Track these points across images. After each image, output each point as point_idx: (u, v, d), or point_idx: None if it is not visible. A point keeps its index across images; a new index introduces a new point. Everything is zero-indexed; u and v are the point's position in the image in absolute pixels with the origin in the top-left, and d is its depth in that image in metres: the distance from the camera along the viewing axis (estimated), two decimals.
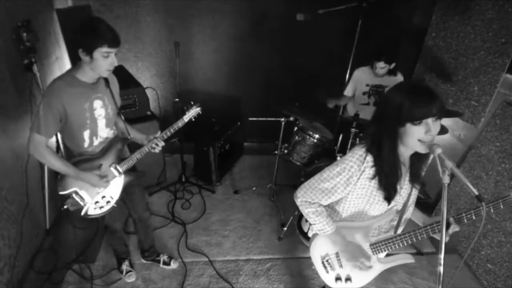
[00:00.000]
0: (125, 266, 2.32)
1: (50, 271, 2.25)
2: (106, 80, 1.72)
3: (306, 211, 1.43)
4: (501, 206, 1.12)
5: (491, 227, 2.48)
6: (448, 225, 1.24)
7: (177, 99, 2.86)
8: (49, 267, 2.28)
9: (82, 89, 1.62)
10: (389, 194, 1.29)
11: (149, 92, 2.97)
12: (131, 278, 2.29)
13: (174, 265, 2.42)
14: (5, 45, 2.02)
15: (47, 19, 2.67)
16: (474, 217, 1.17)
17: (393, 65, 2.74)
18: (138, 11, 3.16)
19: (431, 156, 1.33)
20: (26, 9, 2.29)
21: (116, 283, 2.28)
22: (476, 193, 1.02)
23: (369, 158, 1.26)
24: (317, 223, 1.43)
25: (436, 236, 1.31)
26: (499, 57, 2.54)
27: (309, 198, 1.39)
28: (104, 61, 1.53)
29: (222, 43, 3.45)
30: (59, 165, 1.65)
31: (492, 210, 1.13)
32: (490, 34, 2.62)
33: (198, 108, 1.93)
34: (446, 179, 1.05)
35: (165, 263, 2.42)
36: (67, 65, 2.94)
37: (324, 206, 1.45)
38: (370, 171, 1.27)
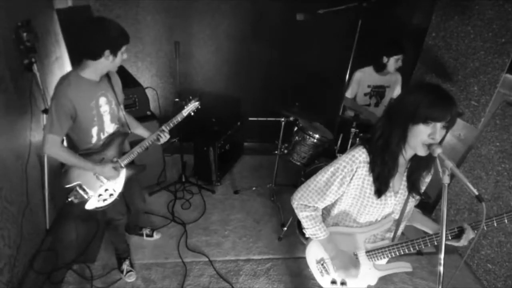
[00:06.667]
0: (125, 266, 2.32)
1: (50, 271, 2.25)
2: (108, 76, 1.78)
3: (301, 214, 1.44)
4: (505, 220, 1.12)
5: (491, 227, 2.48)
6: (462, 232, 1.26)
7: (177, 99, 2.85)
8: (49, 267, 2.28)
9: (88, 87, 1.67)
10: (380, 186, 1.29)
11: (149, 92, 2.97)
12: (131, 278, 2.29)
13: (156, 236, 2.55)
14: (5, 45, 2.02)
15: (47, 19, 2.67)
16: (485, 228, 1.19)
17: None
18: (138, 11, 3.16)
19: (432, 171, 1.34)
20: (26, 9, 2.29)
21: (116, 283, 2.28)
22: (476, 193, 1.02)
23: (362, 158, 1.27)
24: (310, 228, 1.45)
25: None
26: (499, 57, 2.53)
27: (305, 201, 1.40)
28: (121, 57, 1.66)
29: (222, 43, 3.44)
30: (75, 161, 1.72)
31: (495, 224, 1.15)
32: (490, 34, 2.62)
33: (197, 102, 1.95)
34: (446, 179, 1.05)
35: (148, 236, 2.54)
36: (67, 65, 2.94)
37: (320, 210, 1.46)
38: (362, 171, 1.28)
